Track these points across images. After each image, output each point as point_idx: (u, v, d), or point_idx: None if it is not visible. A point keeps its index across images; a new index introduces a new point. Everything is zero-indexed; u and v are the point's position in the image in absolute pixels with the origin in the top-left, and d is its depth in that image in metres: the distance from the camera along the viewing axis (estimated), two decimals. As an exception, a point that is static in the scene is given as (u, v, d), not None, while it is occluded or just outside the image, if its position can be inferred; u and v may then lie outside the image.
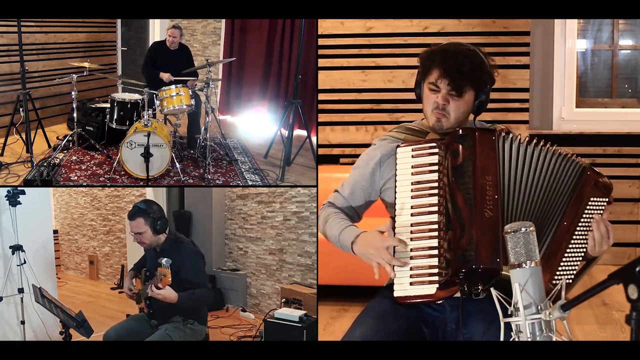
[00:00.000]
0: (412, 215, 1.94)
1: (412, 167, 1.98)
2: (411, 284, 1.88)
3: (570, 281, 1.90)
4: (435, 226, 1.89)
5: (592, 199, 1.94)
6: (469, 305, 1.91)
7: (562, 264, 1.89)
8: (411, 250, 1.91)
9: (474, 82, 2.00)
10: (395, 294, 1.91)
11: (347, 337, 1.94)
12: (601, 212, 1.95)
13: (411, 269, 1.90)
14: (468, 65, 1.98)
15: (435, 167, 1.95)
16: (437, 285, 1.85)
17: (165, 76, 4.80)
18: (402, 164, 2.00)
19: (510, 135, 1.94)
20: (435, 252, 1.88)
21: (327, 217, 2.16)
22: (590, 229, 1.92)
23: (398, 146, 2.03)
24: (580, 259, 1.92)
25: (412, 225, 1.93)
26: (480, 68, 2.00)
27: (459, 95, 1.99)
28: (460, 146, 1.90)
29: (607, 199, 1.97)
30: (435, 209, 1.91)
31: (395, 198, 1.99)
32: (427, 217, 1.91)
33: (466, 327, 1.93)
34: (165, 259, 2.65)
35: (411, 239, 1.91)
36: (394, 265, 1.91)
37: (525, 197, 1.91)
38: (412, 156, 1.99)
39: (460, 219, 1.83)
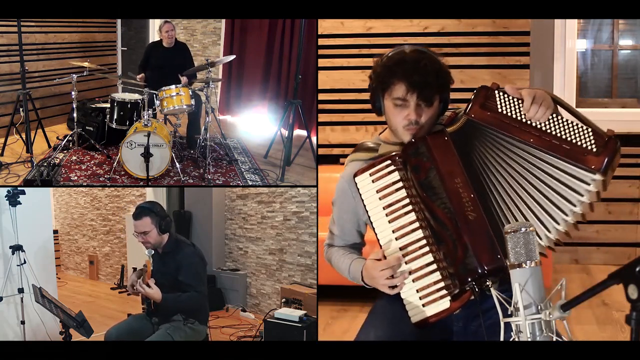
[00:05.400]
0: (397, 239, 1.90)
1: (377, 191, 1.93)
2: (424, 305, 1.86)
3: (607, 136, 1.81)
4: (424, 242, 1.87)
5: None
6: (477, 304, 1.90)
7: (576, 137, 1.80)
8: (410, 272, 1.88)
9: (440, 89, 1.94)
10: (413, 320, 1.88)
11: (362, 339, 1.93)
12: (507, 97, 1.85)
13: (417, 291, 1.87)
14: (432, 74, 1.90)
15: (400, 185, 1.91)
16: (449, 298, 1.83)
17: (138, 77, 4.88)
18: (366, 192, 1.95)
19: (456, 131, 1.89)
20: (434, 266, 1.86)
21: (333, 259, 2.16)
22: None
23: (355, 175, 1.97)
24: (573, 126, 1.82)
25: (401, 249, 1.89)
26: (442, 72, 1.94)
27: (429, 106, 1.93)
28: (419, 159, 1.87)
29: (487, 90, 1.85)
30: (417, 224, 1.88)
31: (374, 228, 1.95)
32: (412, 236, 1.89)
33: (476, 321, 1.92)
34: (148, 250, 2.73)
35: (405, 262, 1.88)
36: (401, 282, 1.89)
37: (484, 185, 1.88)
38: (372, 181, 1.94)
39: (447, 231, 1.81)
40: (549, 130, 1.81)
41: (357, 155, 2.09)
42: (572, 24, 4.94)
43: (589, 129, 1.80)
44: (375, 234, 1.95)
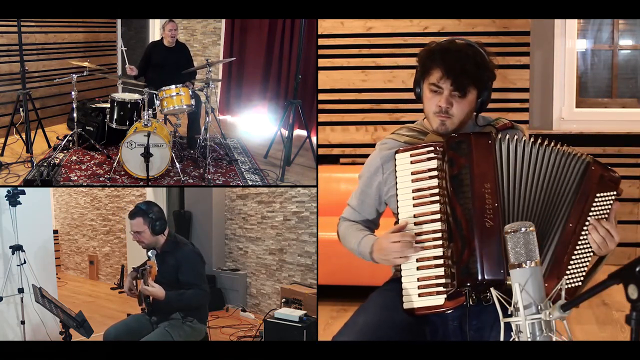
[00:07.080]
0: (415, 224, 1.92)
1: (412, 173, 1.96)
2: (419, 295, 1.87)
3: (580, 283, 1.86)
4: (439, 234, 1.88)
5: (598, 194, 1.91)
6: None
7: (570, 267, 1.85)
8: (417, 260, 1.89)
9: (477, 81, 1.97)
10: (405, 306, 1.90)
11: (350, 323, 1.95)
12: (610, 206, 1.92)
13: (418, 279, 1.89)
14: (471, 63, 1.95)
15: (435, 173, 1.93)
16: (444, 296, 1.84)
17: (128, 69, 4.90)
18: (401, 170, 1.98)
19: (507, 137, 1.91)
20: (441, 261, 1.86)
21: (345, 231, 2.18)
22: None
23: (397, 152, 2.00)
24: (589, 259, 1.88)
25: (416, 234, 1.91)
26: (483, 66, 1.98)
27: (463, 96, 1.96)
28: (456, 154, 1.87)
29: (614, 192, 1.94)
30: (438, 216, 1.89)
31: (397, 207, 1.97)
32: (430, 226, 1.90)
33: (475, 319, 1.92)
34: (151, 250, 2.79)
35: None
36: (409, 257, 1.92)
37: (527, 201, 1.87)
38: (411, 162, 1.97)
39: (461, 231, 1.81)
40: (579, 239, 1.86)
41: (392, 136, 2.14)
42: (572, 24, 4.94)
43: (582, 275, 1.87)
44: (397, 214, 1.98)
